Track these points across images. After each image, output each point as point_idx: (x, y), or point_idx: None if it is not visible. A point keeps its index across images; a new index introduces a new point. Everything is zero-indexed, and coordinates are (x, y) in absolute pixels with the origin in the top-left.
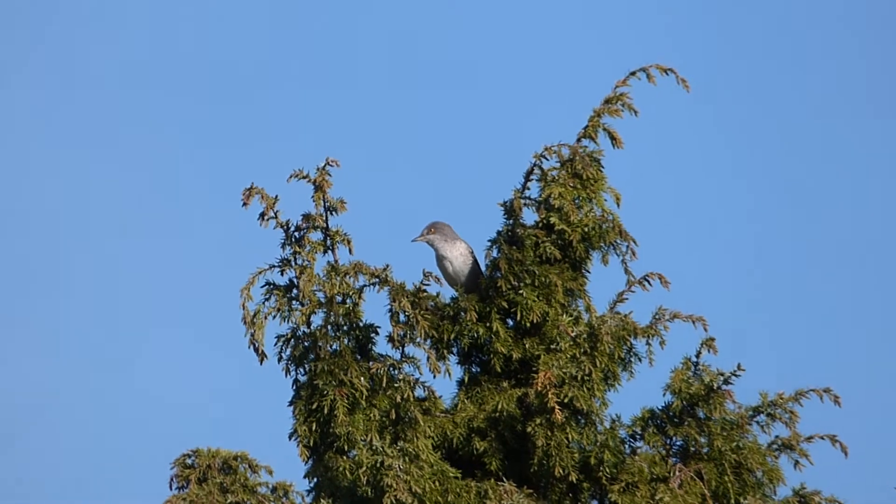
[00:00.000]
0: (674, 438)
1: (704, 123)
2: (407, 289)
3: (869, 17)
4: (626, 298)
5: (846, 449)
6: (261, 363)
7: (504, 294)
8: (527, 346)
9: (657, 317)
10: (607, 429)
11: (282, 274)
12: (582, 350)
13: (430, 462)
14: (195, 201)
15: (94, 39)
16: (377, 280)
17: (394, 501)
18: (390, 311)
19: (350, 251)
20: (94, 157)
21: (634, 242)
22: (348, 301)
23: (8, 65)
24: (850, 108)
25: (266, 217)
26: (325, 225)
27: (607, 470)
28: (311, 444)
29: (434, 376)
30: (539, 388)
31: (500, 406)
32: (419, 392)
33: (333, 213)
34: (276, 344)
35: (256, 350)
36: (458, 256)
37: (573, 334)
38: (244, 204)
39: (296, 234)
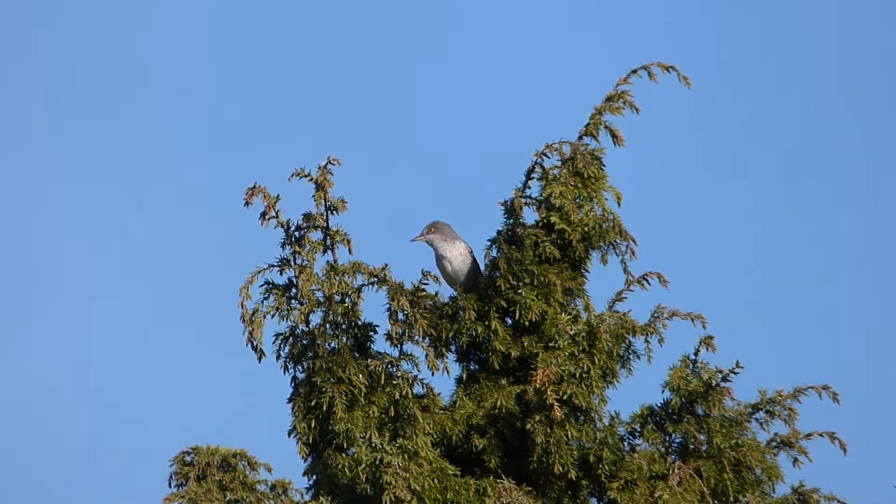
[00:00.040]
0: (673, 436)
1: (704, 123)
2: (405, 288)
3: (869, 17)
4: (625, 297)
5: (845, 446)
6: (259, 361)
7: (503, 293)
8: (525, 344)
9: (656, 315)
10: (606, 426)
11: (281, 273)
12: (580, 348)
13: (429, 459)
14: (195, 201)
15: (93, 39)
16: (376, 279)
17: (393, 499)
18: (389, 309)
19: (350, 251)
20: (95, 157)
21: (634, 242)
22: (347, 300)
23: (8, 65)
24: (851, 108)
25: (267, 216)
26: (325, 224)
27: (606, 467)
28: (310, 441)
29: (432, 374)
30: (538, 385)
31: (499, 403)
32: (418, 389)
33: (334, 212)
34: (274, 342)
35: (255, 348)
36: (458, 256)
37: (572, 332)
38: (247, 203)
39: (296, 233)
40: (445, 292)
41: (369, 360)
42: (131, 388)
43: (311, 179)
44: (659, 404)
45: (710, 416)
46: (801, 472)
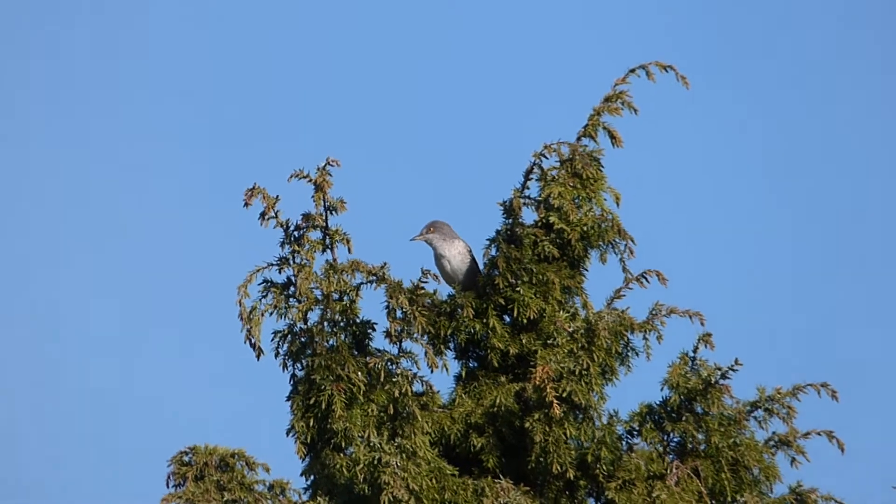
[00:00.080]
0: (671, 435)
1: (704, 123)
2: (404, 286)
3: (869, 17)
4: (624, 295)
5: (843, 445)
6: (258, 359)
7: (501, 291)
8: (524, 341)
9: (654, 312)
10: (605, 425)
11: (280, 272)
12: (579, 345)
13: (428, 459)
14: (195, 201)
15: (93, 39)
16: (374, 278)
17: (391, 499)
18: (387, 307)
19: (349, 250)
20: (95, 157)
21: (632, 241)
22: (345, 298)
23: (8, 65)
24: (850, 108)
25: (266, 217)
26: (324, 224)
27: (604, 467)
28: (309, 440)
29: (431, 371)
30: (537, 383)
31: (498, 400)
32: (417, 387)
33: (333, 212)
34: (272, 340)
35: (253, 346)
36: (456, 255)
37: (570, 330)
38: (246, 204)
39: (295, 233)
40: (444, 291)
41: (368, 357)
42: (131, 387)
43: (310, 181)
44: (658, 402)
45: (709, 415)
46: (798, 472)
